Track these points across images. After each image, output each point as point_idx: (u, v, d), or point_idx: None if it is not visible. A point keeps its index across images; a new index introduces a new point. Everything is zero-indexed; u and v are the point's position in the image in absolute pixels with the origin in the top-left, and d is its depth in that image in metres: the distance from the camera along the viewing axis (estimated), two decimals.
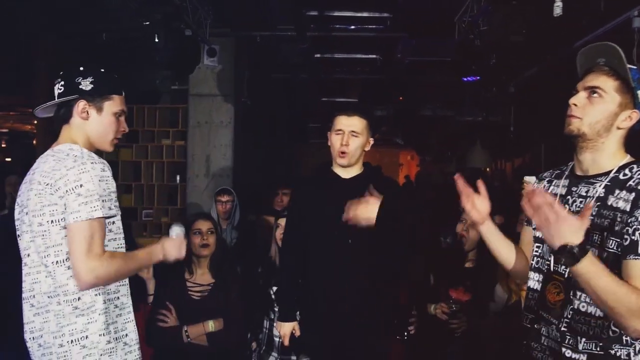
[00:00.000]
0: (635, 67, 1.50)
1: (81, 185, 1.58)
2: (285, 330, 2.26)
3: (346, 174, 2.27)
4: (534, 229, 1.67)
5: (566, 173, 1.63)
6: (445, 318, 2.41)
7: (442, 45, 5.71)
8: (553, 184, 1.66)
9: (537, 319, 1.58)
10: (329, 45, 6.49)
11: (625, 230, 1.39)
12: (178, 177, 6.19)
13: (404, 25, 5.48)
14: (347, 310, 2.15)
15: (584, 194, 1.52)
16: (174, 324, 2.46)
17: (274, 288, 2.63)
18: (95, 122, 1.75)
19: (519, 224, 2.85)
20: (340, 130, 2.20)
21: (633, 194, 1.41)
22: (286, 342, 2.27)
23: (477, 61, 4.25)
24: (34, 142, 9.65)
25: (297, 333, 2.27)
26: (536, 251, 1.64)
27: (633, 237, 1.37)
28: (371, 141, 2.28)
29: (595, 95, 1.49)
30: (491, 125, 8.66)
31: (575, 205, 1.53)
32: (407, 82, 7.77)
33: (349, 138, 2.18)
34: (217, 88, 5.85)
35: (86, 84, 1.73)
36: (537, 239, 1.65)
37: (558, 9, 3.19)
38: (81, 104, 1.74)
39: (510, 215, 3.74)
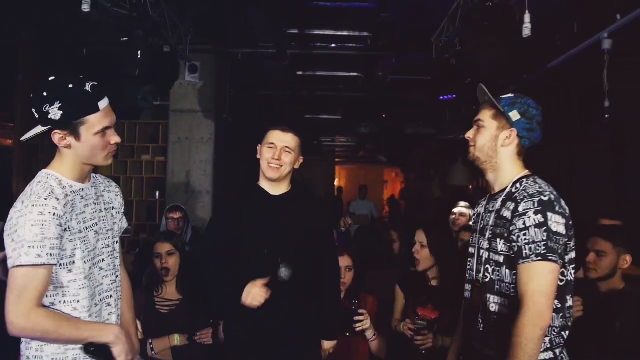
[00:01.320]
0: (511, 95, 1.81)
1: (16, 231, 1.51)
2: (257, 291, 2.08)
3: (274, 190, 2.22)
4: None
5: (488, 195, 1.90)
6: (411, 334, 2.41)
7: (422, 64, 5.79)
8: (480, 205, 1.93)
9: (468, 323, 1.81)
10: (311, 63, 6.56)
11: (512, 238, 1.64)
12: (157, 193, 6.15)
13: (384, 44, 5.56)
14: (278, 327, 2.11)
15: (491, 210, 1.79)
16: (139, 337, 2.41)
17: None
18: (78, 149, 1.61)
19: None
20: (272, 144, 2.18)
21: (514, 204, 1.67)
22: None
23: (453, 80, 4.32)
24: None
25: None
26: (468, 265, 1.89)
27: (518, 243, 1.62)
28: (301, 160, 2.27)
29: (479, 125, 1.81)
30: None
31: (486, 220, 1.82)
32: (389, 100, 7.86)
33: (282, 153, 2.17)
34: (198, 104, 5.86)
35: (54, 112, 1.55)
36: (469, 254, 1.90)
37: (527, 30, 3.27)
38: (56, 137, 1.60)
39: None
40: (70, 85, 1.58)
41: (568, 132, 5.40)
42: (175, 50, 4.57)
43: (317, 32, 5.43)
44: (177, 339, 2.45)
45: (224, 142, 6.17)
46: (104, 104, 1.63)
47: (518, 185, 1.73)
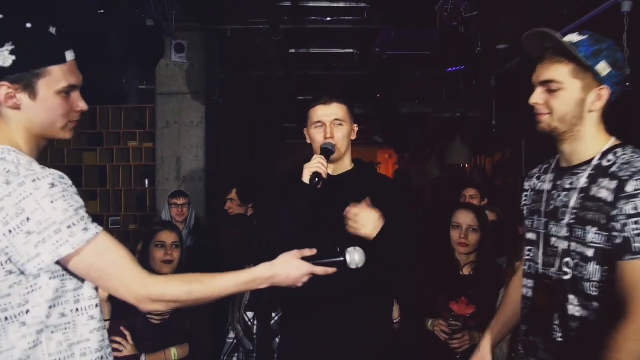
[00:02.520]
0: (584, 37, 1.37)
1: (27, 219, 1.09)
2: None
3: (335, 170, 1.94)
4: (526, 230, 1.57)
5: (552, 167, 1.53)
6: (445, 338, 2.12)
7: (422, 38, 5.48)
8: (540, 179, 1.56)
9: (532, 329, 1.47)
10: (304, 39, 6.23)
11: (612, 226, 1.27)
12: (147, 181, 5.85)
13: (382, 16, 5.24)
14: (338, 333, 1.82)
15: (568, 187, 1.42)
16: (130, 353, 2.12)
17: (249, 314, 2.31)
18: (32, 111, 1.21)
19: (521, 227, 2.63)
20: (319, 122, 1.89)
21: (615, 182, 1.29)
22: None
23: (463, 50, 4.03)
24: None
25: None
26: (527, 255, 1.52)
27: (624, 234, 1.26)
28: (356, 128, 1.98)
29: (554, 88, 1.38)
30: (471, 121, 8.51)
31: (560, 199, 1.43)
32: (385, 78, 7.56)
33: (333, 129, 1.87)
34: (187, 86, 5.52)
35: (4, 57, 1.15)
36: (528, 242, 1.53)
37: None
38: (2, 90, 1.18)
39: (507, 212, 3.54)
40: (29, 25, 1.19)
41: None
42: (160, 26, 4.22)
43: (311, 4, 5.09)
44: (174, 354, 2.15)
45: (216, 126, 5.86)
46: (71, 55, 1.24)
47: (611, 156, 1.35)
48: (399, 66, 6.88)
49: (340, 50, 6.58)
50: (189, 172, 5.52)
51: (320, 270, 1.41)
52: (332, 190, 1.87)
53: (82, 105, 1.28)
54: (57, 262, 1.13)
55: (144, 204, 5.86)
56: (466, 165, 10.92)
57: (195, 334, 2.18)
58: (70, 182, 1.18)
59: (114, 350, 2.07)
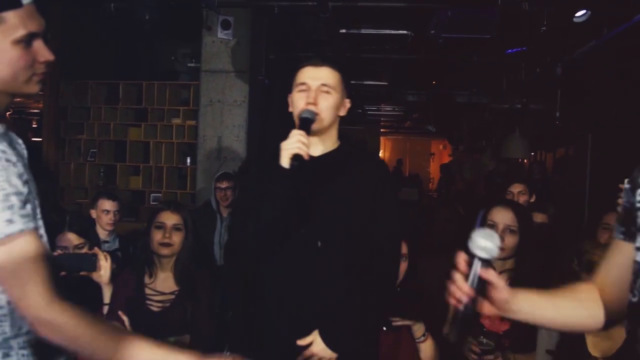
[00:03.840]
0: None
1: None
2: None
3: (315, 148, 1.67)
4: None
5: None
6: (475, 359, 1.86)
7: (481, 18, 5.07)
8: None
9: None
10: (355, 19, 5.94)
11: None
12: (188, 159, 5.81)
13: None
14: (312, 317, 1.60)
15: None
16: None
17: None
18: None
19: (601, 229, 2.26)
20: (304, 84, 1.65)
21: None
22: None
23: (525, 29, 3.63)
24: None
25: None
26: None
27: None
28: (347, 104, 1.73)
29: None
30: (532, 113, 7.95)
31: None
32: (441, 63, 7.14)
33: (318, 95, 1.61)
34: (231, 64, 5.40)
35: None
36: None
37: None
38: None
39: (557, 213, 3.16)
40: None
41: None
42: None
43: None
44: None
45: (259, 106, 5.71)
46: None
47: None
48: (456, 51, 6.47)
49: (393, 32, 6.24)
50: (230, 152, 5.42)
51: None
52: (313, 172, 1.63)
53: (47, 55, 1.12)
54: None
55: (185, 182, 5.83)
56: (525, 160, 10.32)
57: (196, 325, 2.03)
58: (14, 159, 1.01)
59: None
